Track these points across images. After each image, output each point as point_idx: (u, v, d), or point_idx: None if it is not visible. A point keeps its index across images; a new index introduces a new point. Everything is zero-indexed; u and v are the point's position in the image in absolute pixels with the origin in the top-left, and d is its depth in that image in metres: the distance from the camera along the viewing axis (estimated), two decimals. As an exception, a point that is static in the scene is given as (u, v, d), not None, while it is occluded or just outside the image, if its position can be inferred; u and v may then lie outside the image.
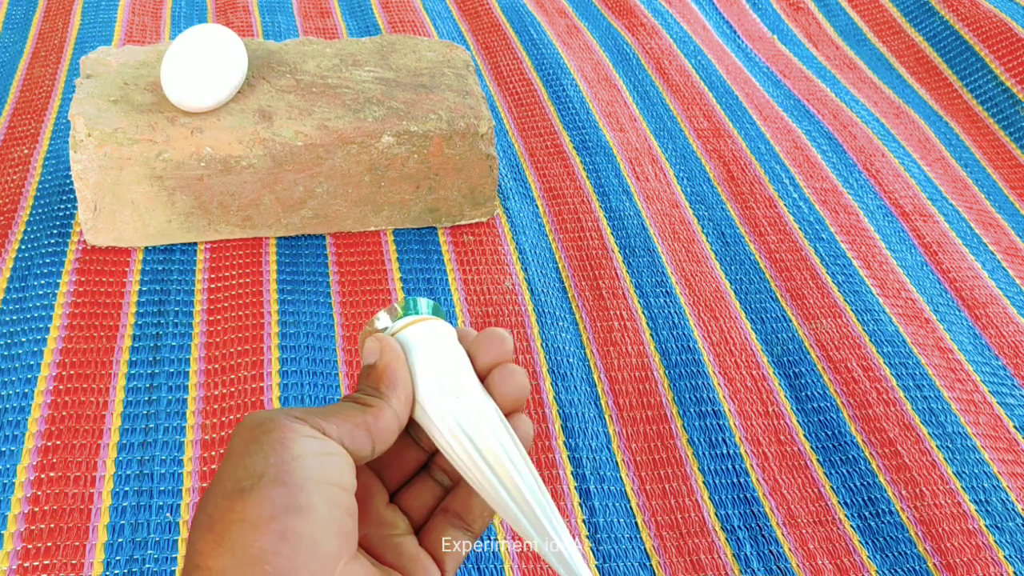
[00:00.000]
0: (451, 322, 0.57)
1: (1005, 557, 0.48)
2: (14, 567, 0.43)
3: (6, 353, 0.53)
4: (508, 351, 0.30)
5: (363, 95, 0.60)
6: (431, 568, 0.29)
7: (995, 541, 0.48)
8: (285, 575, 0.24)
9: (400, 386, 0.29)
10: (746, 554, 0.47)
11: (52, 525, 0.45)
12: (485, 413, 0.29)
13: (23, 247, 0.59)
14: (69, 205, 0.62)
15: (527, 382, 0.30)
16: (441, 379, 0.29)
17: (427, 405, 0.29)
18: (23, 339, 0.54)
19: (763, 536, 0.48)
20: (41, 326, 0.54)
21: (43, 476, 0.47)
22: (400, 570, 0.28)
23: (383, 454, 0.30)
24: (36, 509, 0.45)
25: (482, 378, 0.30)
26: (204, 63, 0.55)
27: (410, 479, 0.32)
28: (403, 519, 0.30)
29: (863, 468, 0.51)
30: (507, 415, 0.30)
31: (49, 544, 0.44)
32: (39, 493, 0.46)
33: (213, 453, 0.49)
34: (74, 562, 0.43)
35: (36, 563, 0.43)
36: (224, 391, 0.52)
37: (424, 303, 0.31)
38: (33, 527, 0.45)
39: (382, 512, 0.29)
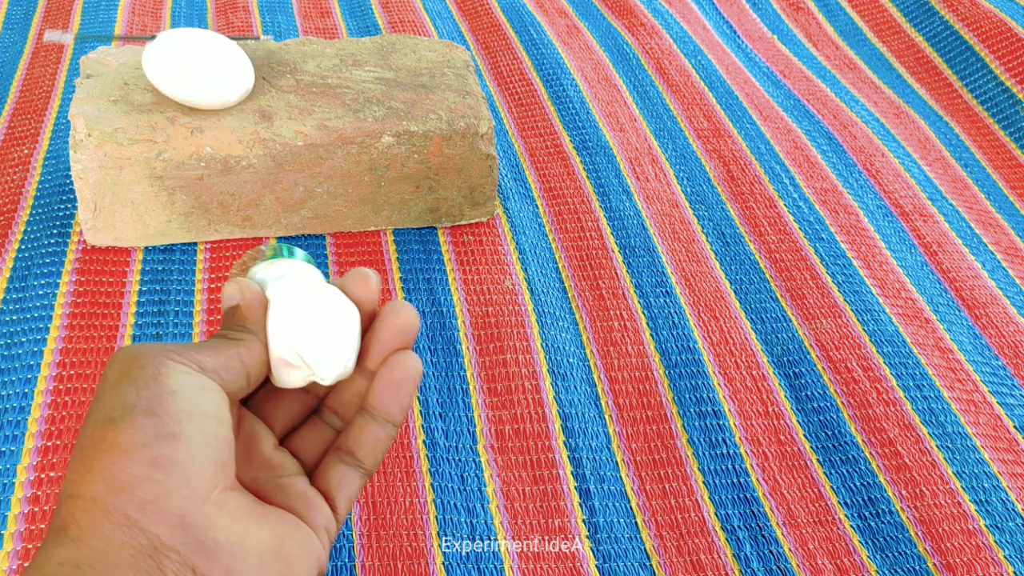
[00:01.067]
0: (451, 323, 0.57)
1: (1005, 557, 0.48)
2: (14, 567, 0.43)
3: (6, 353, 0.53)
4: (371, 287, 0.31)
5: (363, 95, 0.60)
6: (320, 505, 0.29)
7: (995, 541, 0.48)
8: (156, 500, 0.24)
9: (263, 321, 0.29)
10: (746, 554, 0.47)
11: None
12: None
13: (23, 247, 0.59)
14: (69, 205, 0.62)
15: (414, 317, 0.30)
16: (286, 305, 0.29)
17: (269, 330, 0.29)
18: (23, 339, 0.54)
19: (763, 536, 0.48)
20: (41, 326, 0.54)
21: (43, 476, 0.47)
22: (288, 509, 0.28)
23: (270, 399, 0.30)
24: (36, 509, 0.45)
25: (368, 320, 0.31)
26: (203, 58, 0.55)
27: (301, 424, 0.32)
28: (292, 461, 0.30)
29: (863, 468, 0.51)
30: (394, 351, 0.30)
31: (49, 544, 0.44)
32: (39, 493, 0.46)
33: (213, 453, 0.49)
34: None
35: (36, 563, 0.43)
36: (224, 391, 0.52)
37: (286, 249, 0.32)
38: (33, 527, 0.45)
39: (269, 455, 0.29)
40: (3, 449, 0.48)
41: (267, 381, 0.31)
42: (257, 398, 0.31)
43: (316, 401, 0.32)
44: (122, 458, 0.24)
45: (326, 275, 0.60)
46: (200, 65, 0.55)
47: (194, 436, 0.25)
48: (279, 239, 0.28)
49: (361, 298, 0.31)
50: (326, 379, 0.29)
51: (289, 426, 0.31)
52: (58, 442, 0.48)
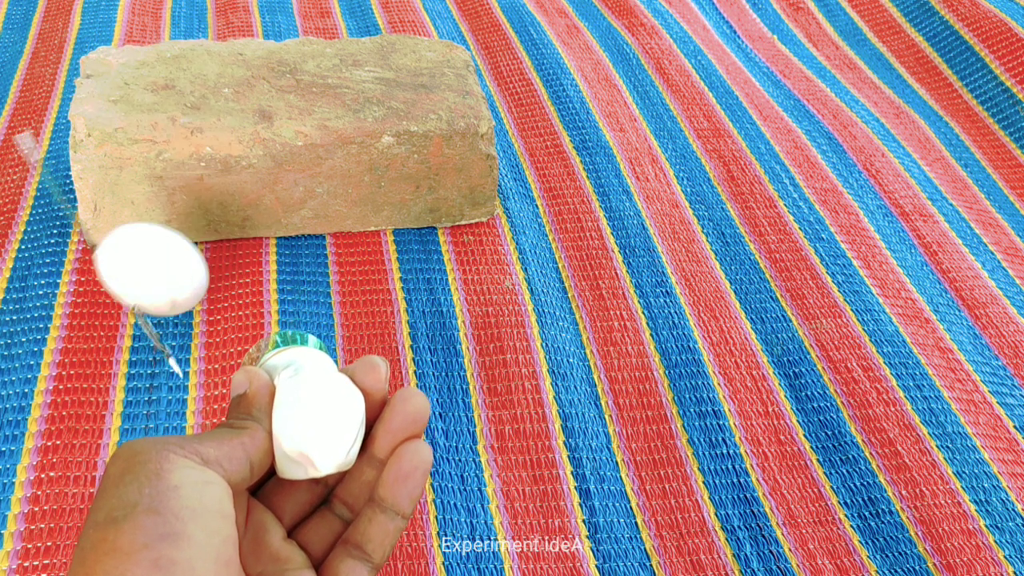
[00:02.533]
0: (451, 323, 0.57)
1: (1005, 557, 0.48)
2: (14, 567, 0.43)
3: (6, 353, 0.53)
4: (380, 377, 0.30)
5: (363, 95, 0.60)
6: None
7: (995, 541, 0.48)
8: None
9: (269, 410, 0.29)
10: (746, 554, 0.47)
11: (52, 525, 0.45)
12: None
13: (23, 247, 0.59)
14: (69, 205, 0.62)
15: (424, 406, 0.30)
16: (292, 395, 0.29)
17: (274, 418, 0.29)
18: (23, 339, 0.54)
19: (763, 536, 0.48)
20: (41, 326, 0.54)
21: (43, 476, 0.47)
22: None
23: (280, 489, 0.30)
24: (36, 509, 0.45)
25: (378, 408, 0.30)
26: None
27: (310, 514, 0.31)
28: (300, 554, 0.29)
29: (863, 468, 0.51)
30: (405, 440, 0.30)
31: (49, 544, 0.44)
32: (39, 493, 0.46)
33: (213, 453, 0.49)
34: (74, 562, 0.43)
35: (36, 563, 0.43)
36: (224, 391, 0.52)
37: (299, 336, 0.32)
38: (33, 527, 0.45)
39: (277, 548, 0.29)
40: (3, 449, 0.48)
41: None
42: (267, 488, 0.31)
43: (326, 491, 0.32)
44: (124, 561, 0.24)
45: (327, 278, 0.60)
46: (149, 273, 0.50)
47: (197, 534, 0.24)
48: (286, 328, 0.28)
49: (370, 387, 0.30)
50: (322, 472, 0.29)
51: (298, 516, 0.31)
52: (58, 442, 0.48)
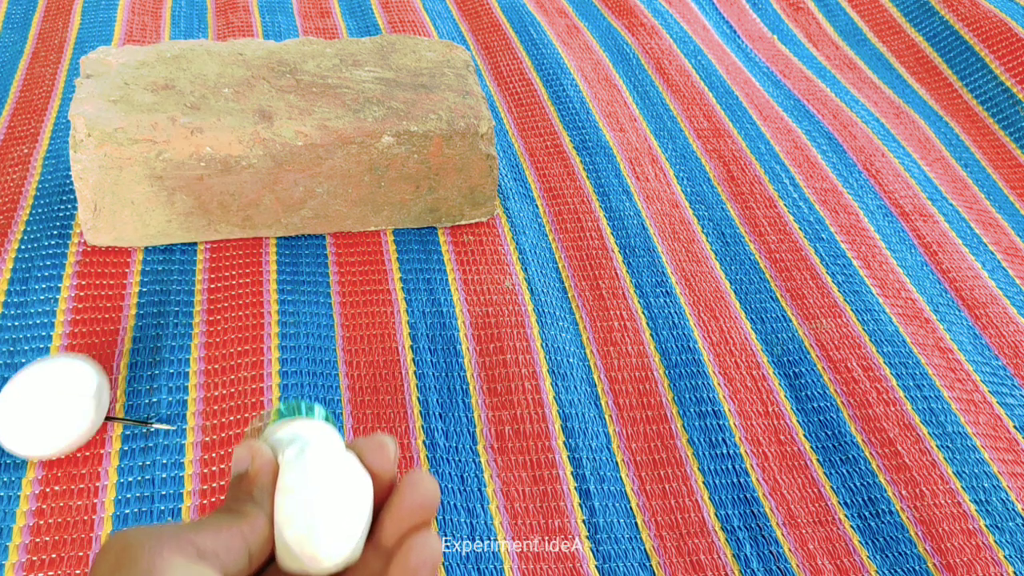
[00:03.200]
0: (451, 323, 0.57)
1: (1005, 557, 0.48)
2: None
3: (8, 362, 0.53)
4: (388, 457, 0.29)
5: (363, 95, 0.60)
6: None
7: (995, 541, 0.48)
8: None
9: (271, 492, 0.27)
10: (746, 554, 0.47)
11: (57, 537, 0.45)
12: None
13: (23, 247, 0.59)
14: (69, 205, 0.62)
15: (434, 491, 0.28)
16: (300, 476, 0.27)
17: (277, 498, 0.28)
18: (26, 347, 0.53)
19: (763, 536, 0.48)
20: (44, 333, 0.54)
21: (48, 490, 0.47)
22: None
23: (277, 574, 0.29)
24: (41, 522, 0.45)
25: (386, 490, 0.29)
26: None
27: None
28: None
29: (863, 468, 0.51)
30: (414, 529, 0.28)
31: (54, 556, 0.44)
32: (44, 507, 0.46)
33: (214, 454, 0.49)
34: (78, 572, 0.44)
35: (41, 574, 0.43)
36: (224, 391, 0.52)
37: (304, 406, 0.30)
38: (38, 539, 0.45)
39: None
40: (7, 462, 0.48)
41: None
42: (267, 574, 0.29)
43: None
44: None
45: (327, 278, 0.60)
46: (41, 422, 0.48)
47: None
48: (289, 396, 0.27)
49: (378, 469, 0.29)
50: (327, 569, 0.27)
51: None
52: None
